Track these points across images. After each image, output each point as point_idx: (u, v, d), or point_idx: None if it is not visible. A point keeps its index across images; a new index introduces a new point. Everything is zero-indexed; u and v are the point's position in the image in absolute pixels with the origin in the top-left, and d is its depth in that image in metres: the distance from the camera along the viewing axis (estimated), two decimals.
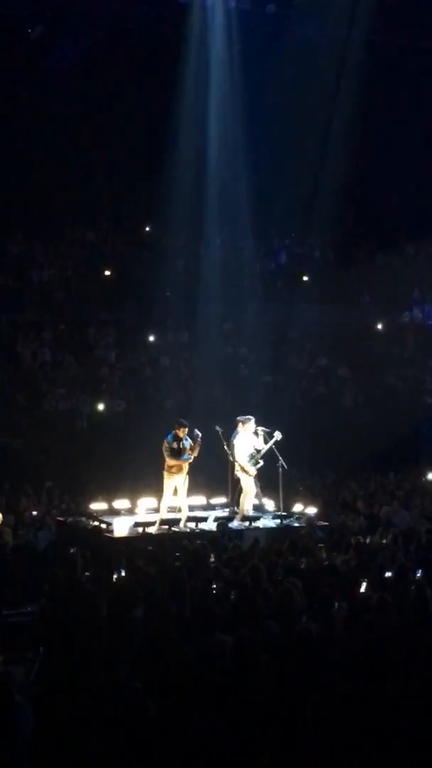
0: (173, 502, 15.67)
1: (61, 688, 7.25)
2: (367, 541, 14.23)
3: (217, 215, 26.78)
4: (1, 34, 23.61)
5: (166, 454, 15.26)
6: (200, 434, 15.48)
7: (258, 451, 15.99)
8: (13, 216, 25.30)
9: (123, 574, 11.63)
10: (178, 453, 15.25)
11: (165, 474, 15.38)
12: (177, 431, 15.32)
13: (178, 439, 15.29)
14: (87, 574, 11.18)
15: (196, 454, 15.40)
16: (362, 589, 10.28)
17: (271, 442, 16.07)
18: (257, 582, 9.76)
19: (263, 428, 16.23)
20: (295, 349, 26.68)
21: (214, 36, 24.35)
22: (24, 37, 24.17)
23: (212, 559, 12.12)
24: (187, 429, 15.39)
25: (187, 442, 15.33)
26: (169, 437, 15.30)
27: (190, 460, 15.35)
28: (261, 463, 16.13)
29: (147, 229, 27.78)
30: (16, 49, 24.31)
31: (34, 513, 17.30)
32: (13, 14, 23.40)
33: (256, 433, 16.11)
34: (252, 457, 15.92)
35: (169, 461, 15.27)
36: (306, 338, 27.08)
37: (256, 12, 23.76)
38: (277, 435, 16.19)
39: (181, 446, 15.26)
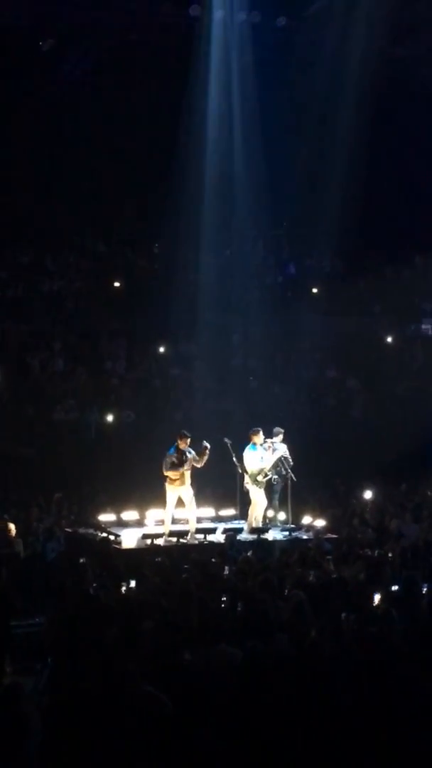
0: (181, 514, 15.70)
1: (70, 698, 7.25)
2: (375, 553, 14.21)
3: (226, 226, 26.84)
4: (12, 46, 23.68)
5: (165, 468, 15.27)
6: (209, 445, 15.50)
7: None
8: (23, 227, 25.38)
9: (131, 585, 11.64)
10: (178, 466, 15.27)
11: (167, 486, 15.40)
12: (179, 442, 15.36)
13: (180, 452, 15.31)
14: (95, 585, 11.19)
15: (202, 464, 15.44)
16: (375, 602, 10.26)
17: (275, 456, 16.15)
18: (270, 595, 9.74)
19: (271, 440, 16.33)
20: (305, 361, 26.66)
21: (224, 48, 24.42)
22: (35, 50, 24.25)
23: (225, 572, 12.15)
24: (189, 440, 15.42)
25: (190, 454, 15.36)
26: (171, 450, 15.34)
27: (187, 468, 15.32)
28: (269, 475, 16.17)
29: (156, 249, 27.76)
30: (27, 62, 24.39)
31: (42, 524, 17.29)
32: (24, 27, 23.48)
33: (264, 445, 16.18)
34: (260, 471, 15.97)
35: (169, 474, 15.29)
36: (315, 349, 27.06)
37: (267, 24, 23.79)
38: (281, 448, 16.29)
39: (183, 458, 15.28)
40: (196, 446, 15.52)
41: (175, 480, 15.32)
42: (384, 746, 6.63)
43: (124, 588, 11.49)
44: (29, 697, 7.24)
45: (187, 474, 15.40)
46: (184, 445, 15.35)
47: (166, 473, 15.32)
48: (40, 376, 23.34)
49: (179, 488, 15.38)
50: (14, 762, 6.44)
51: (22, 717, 6.63)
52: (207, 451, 15.43)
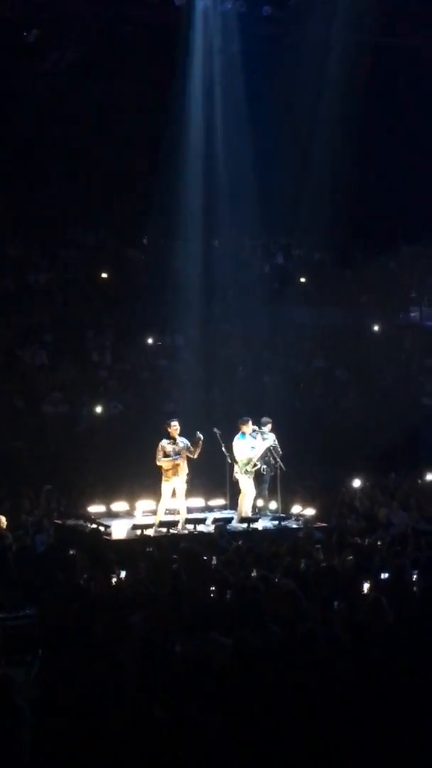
0: (172, 504, 15.70)
1: (61, 690, 7.26)
2: (365, 542, 14.25)
3: (214, 217, 26.81)
4: None
5: (158, 458, 15.25)
6: (202, 436, 15.50)
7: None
8: (11, 219, 25.30)
9: (122, 576, 11.64)
10: (172, 455, 15.26)
11: (163, 478, 15.40)
12: (169, 431, 15.36)
13: (173, 439, 15.32)
14: (85, 576, 11.20)
15: (196, 455, 15.46)
16: (365, 591, 10.29)
17: (264, 444, 16.18)
18: (263, 585, 9.74)
19: (260, 430, 16.37)
20: (293, 351, 26.69)
21: (211, 38, 24.35)
22: (20, 41, 24.14)
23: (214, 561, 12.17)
24: (177, 426, 15.40)
25: (183, 443, 15.35)
26: (165, 440, 15.33)
27: (178, 460, 15.32)
28: (258, 465, 16.19)
29: (145, 240, 27.70)
30: (13, 53, 24.28)
31: (31, 517, 17.26)
32: (9, 17, 23.36)
33: (253, 434, 16.21)
34: (249, 461, 15.99)
35: (164, 464, 15.27)
36: (304, 340, 27.09)
37: (253, 14, 23.71)
38: (270, 437, 16.34)
39: (176, 448, 15.28)
40: (190, 437, 15.53)
41: (168, 470, 15.32)
42: (376, 733, 6.66)
43: (114, 579, 11.48)
44: (20, 690, 7.25)
45: (183, 464, 15.39)
46: (174, 432, 15.36)
47: (159, 463, 15.31)
48: (28, 369, 23.30)
49: (174, 479, 15.36)
50: (6, 753, 6.44)
51: (12, 709, 6.64)
52: (200, 442, 15.41)
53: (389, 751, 6.64)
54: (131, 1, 23.67)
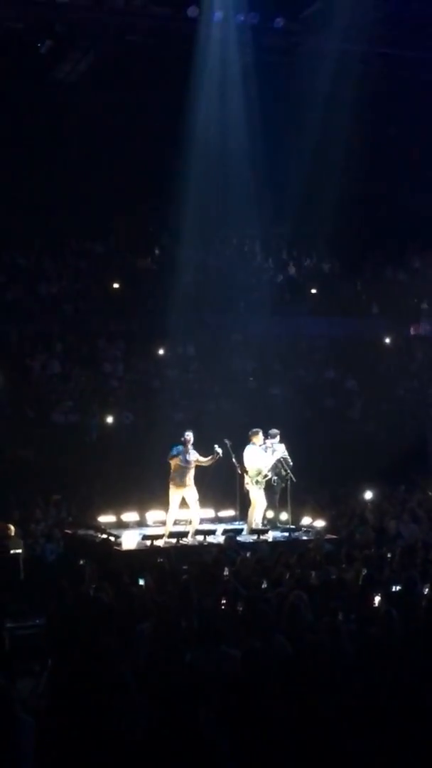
0: (184, 515, 15.71)
1: (69, 700, 7.25)
2: (375, 554, 14.20)
3: (225, 227, 26.82)
4: (10, 48, 23.67)
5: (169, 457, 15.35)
6: (220, 453, 15.56)
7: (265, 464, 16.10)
8: (21, 229, 25.38)
9: (131, 586, 11.62)
10: (181, 459, 15.36)
11: (171, 487, 15.47)
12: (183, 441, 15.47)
13: (185, 451, 15.40)
14: (94, 586, 11.19)
15: (206, 463, 15.50)
16: (375, 603, 10.25)
17: (274, 456, 16.17)
18: (275, 597, 9.72)
19: (270, 441, 16.36)
20: (303, 362, 26.67)
21: (222, 50, 24.40)
22: (33, 52, 24.24)
23: (224, 572, 12.15)
24: (191, 436, 15.46)
25: (192, 456, 15.40)
26: (178, 448, 15.39)
27: (191, 466, 15.39)
28: (269, 476, 16.18)
29: (156, 251, 27.75)
30: (26, 63, 24.39)
31: (40, 526, 17.27)
32: (22, 28, 23.46)
33: (263, 445, 16.20)
34: (259, 472, 15.98)
35: (172, 462, 15.31)
36: (314, 350, 27.08)
37: (265, 26, 23.78)
38: (279, 448, 16.32)
39: (187, 457, 15.35)
40: (199, 448, 15.57)
41: (175, 479, 15.36)
42: (382, 747, 6.63)
43: (123, 589, 11.46)
44: (28, 700, 7.24)
45: (190, 474, 15.42)
46: (187, 443, 15.46)
47: (170, 460, 15.38)
48: (39, 378, 23.34)
49: (182, 490, 15.39)
50: (8, 765, 6.40)
51: (14, 720, 6.59)
52: (217, 457, 15.52)
53: (395, 765, 6.62)
54: (144, 12, 23.71)
